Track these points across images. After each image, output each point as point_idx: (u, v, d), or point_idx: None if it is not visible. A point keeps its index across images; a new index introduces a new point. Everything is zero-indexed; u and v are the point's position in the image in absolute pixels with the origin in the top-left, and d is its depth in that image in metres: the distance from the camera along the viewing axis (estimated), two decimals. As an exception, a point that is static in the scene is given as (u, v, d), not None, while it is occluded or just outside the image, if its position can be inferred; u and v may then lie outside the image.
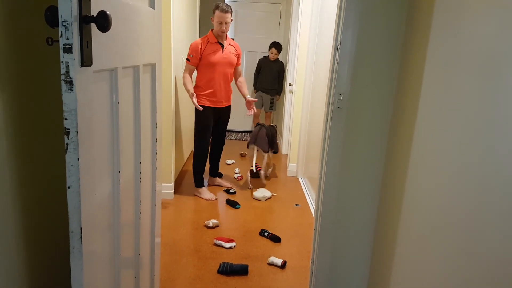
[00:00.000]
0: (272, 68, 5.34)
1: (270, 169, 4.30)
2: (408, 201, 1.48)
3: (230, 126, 6.53)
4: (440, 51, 1.30)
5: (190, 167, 4.39)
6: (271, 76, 5.37)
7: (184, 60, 3.99)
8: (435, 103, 1.30)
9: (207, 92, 3.30)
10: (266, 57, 5.41)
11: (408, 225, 1.46)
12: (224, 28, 3.21)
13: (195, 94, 3.24)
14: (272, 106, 5.52)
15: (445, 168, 1.20)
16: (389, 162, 1.71)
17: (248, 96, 3.55)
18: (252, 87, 5.72)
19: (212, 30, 3.29)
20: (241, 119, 6.24)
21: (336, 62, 1.69)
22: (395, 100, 1.69)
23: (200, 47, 3.19)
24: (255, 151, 3.87)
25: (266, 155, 3.84)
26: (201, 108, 3.23)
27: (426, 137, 1.36)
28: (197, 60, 3.21)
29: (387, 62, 1.67)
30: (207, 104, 3.33)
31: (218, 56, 3.26)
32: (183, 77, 3.26)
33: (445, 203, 1.19)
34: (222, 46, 3.28)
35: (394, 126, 1.68)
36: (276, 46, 5.24)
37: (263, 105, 5.52)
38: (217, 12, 3.18)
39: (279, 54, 5.29)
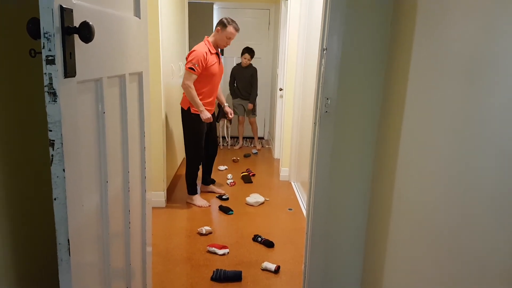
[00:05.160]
0: (246, 74, 5.45)
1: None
2: (397, 203, 1.49)
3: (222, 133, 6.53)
4: (424, 55, 1.32)
5: (182, 175, 4.38)
6: (247, 83, 5.49)
7: (175, 67, 3.99)
8: (421, 106, 1.32)
9: (207, 101, 3.30)
10: (238, 65, 5.51)
11: (398, 227, 1.47)
12: (229, 44, 3.28)
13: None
14: (254, 111, 5.62)
15: (433, 170, 1.22)
16: (378, 165, 1.73)
17: (226, 104, 3.64)
18: (229, 95, 5.78)
19: (207, 38, 3.26)
20: (232, 126, 6.24)
21: (322, 67, 1.70)
22: (382, 103, 1.71)
23: (205, 57, 3.13)
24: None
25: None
26: (211, 119, 3.29)
27: (413, 139, 1.37)
28: (201, 71, 3.14)
29: (373, 66, 1.69)
30: None
31: (216, 67, 3.27)
32: (189, 86, 3.12)
33: (433, 205, 1.20)
34: (219, 56, 3.32)
35: (382, 129, 1.69)
36: (249, 51, 5.34)
37: (245, 111, 5.58)
38: (230, 28, 3.18)
39: (251, 59, 5.37)
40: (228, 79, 5.62)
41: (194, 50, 3.14)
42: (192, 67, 3.10)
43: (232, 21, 3.21)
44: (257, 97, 5.58)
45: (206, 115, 3.21)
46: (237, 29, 3.21)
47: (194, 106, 3.21)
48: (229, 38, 3.22)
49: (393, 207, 1.52)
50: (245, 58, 5.33)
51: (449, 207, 1.11)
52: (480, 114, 0.98)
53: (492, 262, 0.92)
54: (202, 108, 3.20)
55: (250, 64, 5.45)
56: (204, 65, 3.13)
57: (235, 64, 5.60)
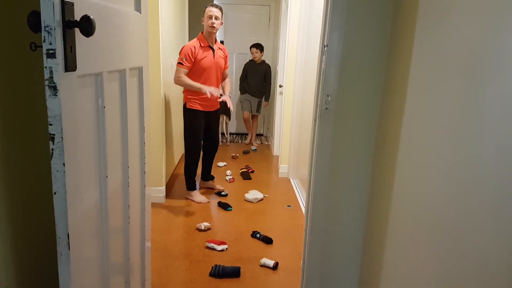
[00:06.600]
0: (259, 70, 5.36)
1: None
2: (396, 201, 1.49)
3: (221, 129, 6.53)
4: (425, 51, 1.31)
5: (181, 171, 4.37)
6: (258, 79, 5.39)
7: (174, 63, 3.98)
8: (421, 103, 1.32)
9: (200, 96, 3.28)
10: (251, 61, 5.44)
11: (398, 224, 1.47)
12: (214, 24, 3.17)
13: (203, 85, 3.17)
14: (258, 109, 5.57)
15: (432, 168, 1.22)
16: (377, 162, 1.73)
17: (228, 93, 3.53)
18: (238, 90, 5.75)
19: (202, 32, 3.27)
20: (233, 121, 6.24)
21: (323, 64, 1.70)
22: (382, 101, 1.71)
23: (193, 50, 3.16)
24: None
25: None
26: (223, 99, 3.26)
27: (413, 137, 1.37)
28: (190, 64, 3.17)
29: (373, 63, 1.68)
30: (199, 108, 3.33)
31: (209, 60, 3.25)
32: (179, 78, 3.17)
33: (432, 202, 1.21)
34: (213, 50, 3.28)
35: (382, 126, 1.69)
36: (256, 46, 5.28)
37: (251, 107, 5.54)
38: (206, 9, 3.23)
39: (262, 53, 5.30)
40: (239, 74, 5.59)
41: (184, 46, 3.21)
42: (181, 61, 3.17)
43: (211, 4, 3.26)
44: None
45: (206, 89, 3.12)
46: (213, 5, 3.22)
47: (192, 89, 3.20)
48: (210, 17, 3.19)
49: (393, 204, 1.52)
50: (254, 52, 5.27)
51: (449, 206, 1.11)
52: (482, 111, 0.98)
53: (492, 261, 0.92)
54: (199, 85, 3.16)
55: (263, 61, 5.38)
56: (192, 59, 3.17)
57: (248, 60, 5.54)
